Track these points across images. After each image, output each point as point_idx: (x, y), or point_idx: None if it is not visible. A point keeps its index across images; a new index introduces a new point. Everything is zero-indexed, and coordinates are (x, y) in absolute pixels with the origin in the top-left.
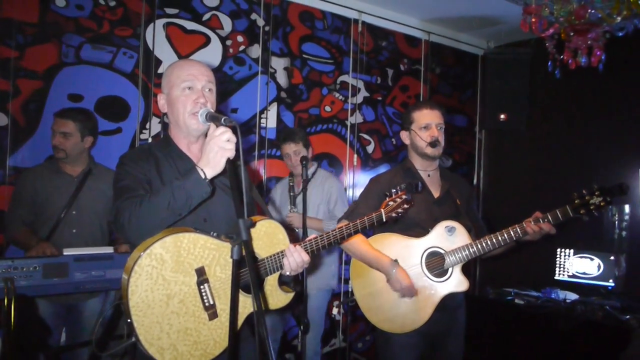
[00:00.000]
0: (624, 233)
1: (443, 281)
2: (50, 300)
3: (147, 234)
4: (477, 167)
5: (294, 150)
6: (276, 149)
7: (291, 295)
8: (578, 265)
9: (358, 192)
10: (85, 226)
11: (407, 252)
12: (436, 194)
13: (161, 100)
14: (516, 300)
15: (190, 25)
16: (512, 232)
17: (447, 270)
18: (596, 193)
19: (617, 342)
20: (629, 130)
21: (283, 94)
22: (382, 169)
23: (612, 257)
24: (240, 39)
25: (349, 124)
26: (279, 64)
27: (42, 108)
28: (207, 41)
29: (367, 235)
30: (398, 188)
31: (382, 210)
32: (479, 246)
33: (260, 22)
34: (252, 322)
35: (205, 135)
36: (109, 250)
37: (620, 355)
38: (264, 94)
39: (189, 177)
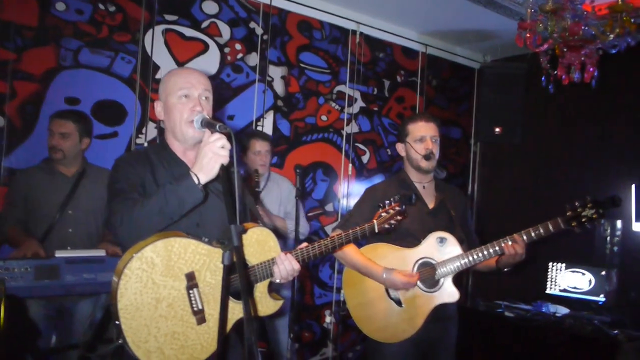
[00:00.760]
0: (615, 248)
1: (434, 292)
2: (41, 302)
3: (139, 236)
4: (471, 179)
5: (266, 149)
6: (276, 157)
7: (280, 302)
8: (569, 280)
9: (352, 201)
10: (82, 225)
11: (399, 262)
12: (431, 205)
13: (158, 108)
14: (506, 313)
15: (189, 32)
16: (502, 244)
17: (438, 281)
18: (589, 205)
19: (605, 357)
20: (622, 145)
21: (280, 102)
22: (377, 179)
23: (603, 272)
24: (238, 46)
25: (344, 134)
26: (276, 72)
27: (38, 110)
28: (206, 48)
29: (360, 245)
30: (392, 199)
31: (375, 221)
32: (470, 258)
33: (259, 30)
34: (240, 328)
35: (201, 142)
36: (101, 253)
37: None
38: (260, 101)
39: (182, 181)
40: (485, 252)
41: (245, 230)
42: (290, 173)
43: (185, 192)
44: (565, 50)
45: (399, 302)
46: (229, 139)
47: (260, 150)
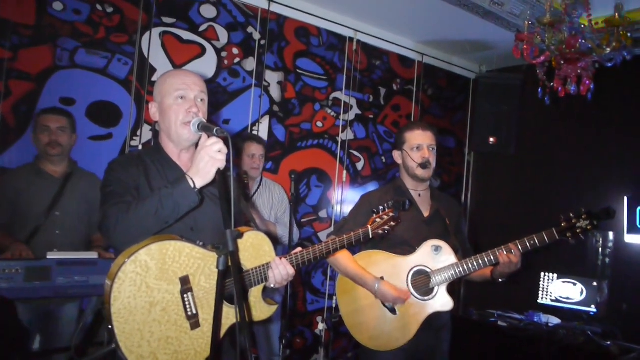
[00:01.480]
0: (607, 259)
1: (428, 300)
2: (26, 304)
3: (132, 240)
4: (465, 188)
5: (260, 153)
6: (271, 162)
7: (274, 307)
8: (561, 290)
9: (346, 208)
10: (69, 228)
11: (393, 270)
12: (426, 213)
13: (153, 109)
14: (499, 323)
15: (187, 35)
16: (497, 253)
17: (432, 289)
18: (583, 216)
19: None
20: (615, 158)
21: (275, 108)
22: (371, 186)
23: (595, 283)
24: (235, 51)
25: (339, 140)
26: (273, 77)
27: (32, 110)
28: (203, 52)
29: (355, 252)
30: (385, 205)
31: (369, 226)
32: (465, 267)
33: (257, 35)
34: (234, 333)
35: (196, 145)
36: (94, 255)
37: None
38: (256, 106)
39: (178, 185)
40: (480, 261)
41: (241, 235)
42: (284, 178)
43: (180, 195)
44: (562, 62)
45: (393, 310)
46: (226, 143)
47: (254, 154)
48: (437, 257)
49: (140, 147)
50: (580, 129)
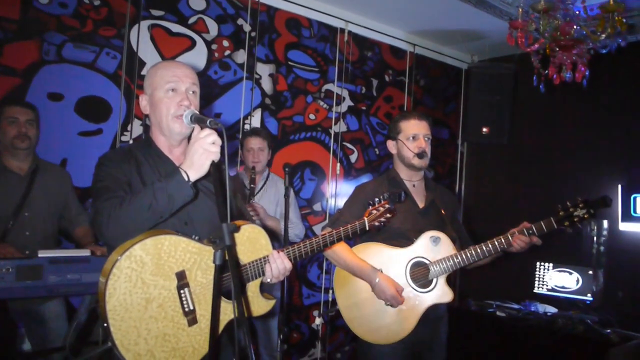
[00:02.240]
0: (602, 248)
1: (427, 292)
2: (12, 303)
3: (126, 236)
4: (458, 179)
5: (259, 146)
6: None
7: (272, 302)
8: (557, 279)
9: (340, 201)
10: (39, 228)
11: (391, 262)
12: (421, 204)
13: (143, 102)
14: (498, 313)
15: (176, 27)
16: (496, 243)
17: (431, 281)
18: (580, 205)
19: (597, 356)
20: (609, 146)
21: (267, 101)
22: (365, 178)
23: (590, 272)
24: (225, 43)
25: (332, 133)
26: (264, 70)
27: None
28: (192, 44)
29: (350, 245)
30: (381, 197)
31: (365, 218)
32: (464, 256)
33: (247, 27)
34: (232, 329)
35: (188, 138)
36: (86, 253)
37: None
38: (248, 99)
39: (171, 178)
40: (479, 251)
41: (237, 229)
42: (278, 172)
43: (174, 189)
44: (556, 49)
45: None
46: (220, 135)
47: (252, 148)
48: (435, 248)
49: (130, 142)
50: (573, 118)
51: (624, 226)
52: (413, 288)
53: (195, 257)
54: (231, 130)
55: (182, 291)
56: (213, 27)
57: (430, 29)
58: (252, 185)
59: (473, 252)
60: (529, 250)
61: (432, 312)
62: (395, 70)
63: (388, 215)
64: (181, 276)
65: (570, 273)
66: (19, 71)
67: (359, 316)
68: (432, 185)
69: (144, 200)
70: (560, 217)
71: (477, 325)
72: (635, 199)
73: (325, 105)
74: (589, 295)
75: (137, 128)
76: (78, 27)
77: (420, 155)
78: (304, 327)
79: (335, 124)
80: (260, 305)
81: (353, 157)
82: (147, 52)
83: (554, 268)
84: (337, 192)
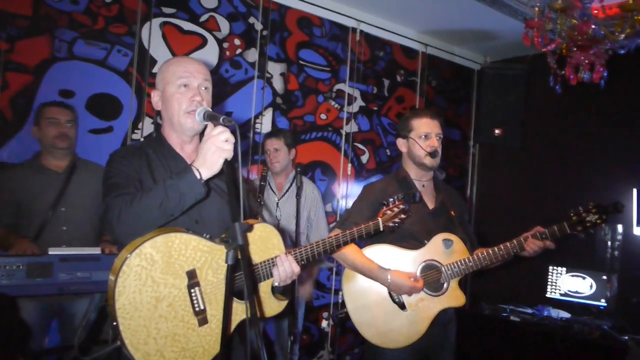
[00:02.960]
0: (616, 253)
1: (439, 295)
2: (37, 300)
3: (136, 233)
4: (470, 181)
5: (274, 147)
6: None
7: (284, 303)
8: (570, 284)
9: (351, 202)
10: (76, 223)
11: (402, 264)
12: (431, 205)
13: (155, 97)
14: (512, 317)
15: (187, 25)
16: (510, 247)
17: (443, 285)
18: (592, 210)
19: None
20: (624, 149)
21: (278, 100)
22: (376, 179)
23: (604, 277)
24: (237, 42)
25: (343, 133)
26: (275, 69)
27: (31, 103)
28: (204, 42)
29: (360, 247)
30: (395, 197)
31: (380, 219)
32: (477, 260)
33: (258, 26)
34: (242, 330)
35: (200, 135)
36: (97, 251)
37: None
38: (259, 98)
39: (183, 176)
40: (492, 254)
41: (250, 228)
42: None
43: (186, 187)
44: (574, 49)
45: (402, 306)
46: (233, 132)
47: (268, 149)
48: (448, 251)
49: (141, 140)
50: (587, 120)
51: (638, 231)
52: (425, 291)
53: (207, 256)
54: (242, 129)
55: (192, 290)
56: (224, 26)
57: (443, 29)
58: (262, 183)
59: (487, 255)
60: (541, 254)
61: (442, 316)
62: (407, 71)
63: (402, 215)
64: (192, 275)
65: (584, 278)
66: (30, 68)
67: (368, 319)
68: (442, 186)
69: (155, 197)
70: (573, 222)
71: (490, 329)
72: None
73: (336, 105)
74: (602, 300)
75: (148, 126)
76: (89, 24)
77: (433, 154)
78: (314, 328)
79: (347, 124)
80: (272, 306)
81: (364, 158)
82: (158, 49)
83: (567, 272)
84: (348, 192)
